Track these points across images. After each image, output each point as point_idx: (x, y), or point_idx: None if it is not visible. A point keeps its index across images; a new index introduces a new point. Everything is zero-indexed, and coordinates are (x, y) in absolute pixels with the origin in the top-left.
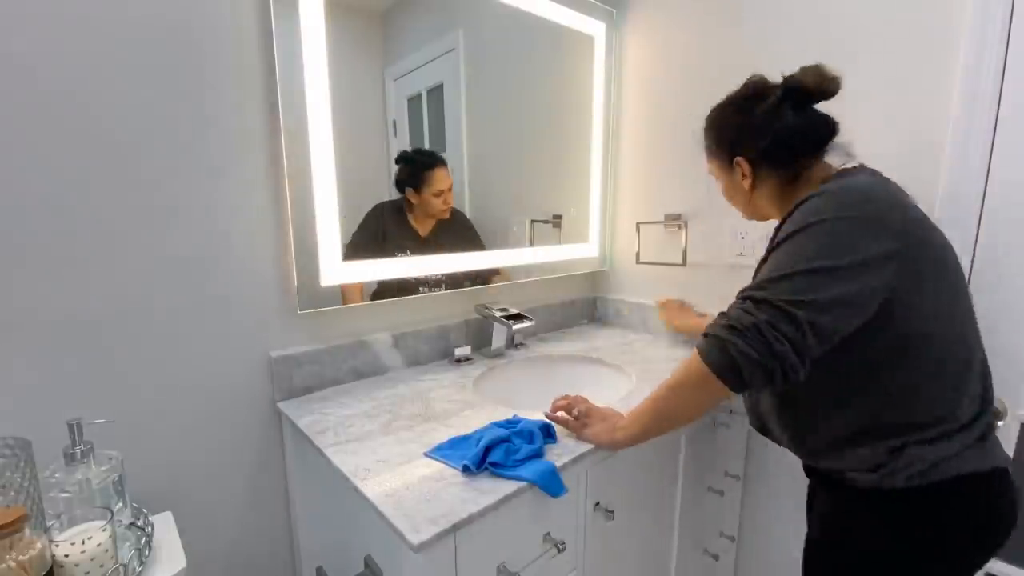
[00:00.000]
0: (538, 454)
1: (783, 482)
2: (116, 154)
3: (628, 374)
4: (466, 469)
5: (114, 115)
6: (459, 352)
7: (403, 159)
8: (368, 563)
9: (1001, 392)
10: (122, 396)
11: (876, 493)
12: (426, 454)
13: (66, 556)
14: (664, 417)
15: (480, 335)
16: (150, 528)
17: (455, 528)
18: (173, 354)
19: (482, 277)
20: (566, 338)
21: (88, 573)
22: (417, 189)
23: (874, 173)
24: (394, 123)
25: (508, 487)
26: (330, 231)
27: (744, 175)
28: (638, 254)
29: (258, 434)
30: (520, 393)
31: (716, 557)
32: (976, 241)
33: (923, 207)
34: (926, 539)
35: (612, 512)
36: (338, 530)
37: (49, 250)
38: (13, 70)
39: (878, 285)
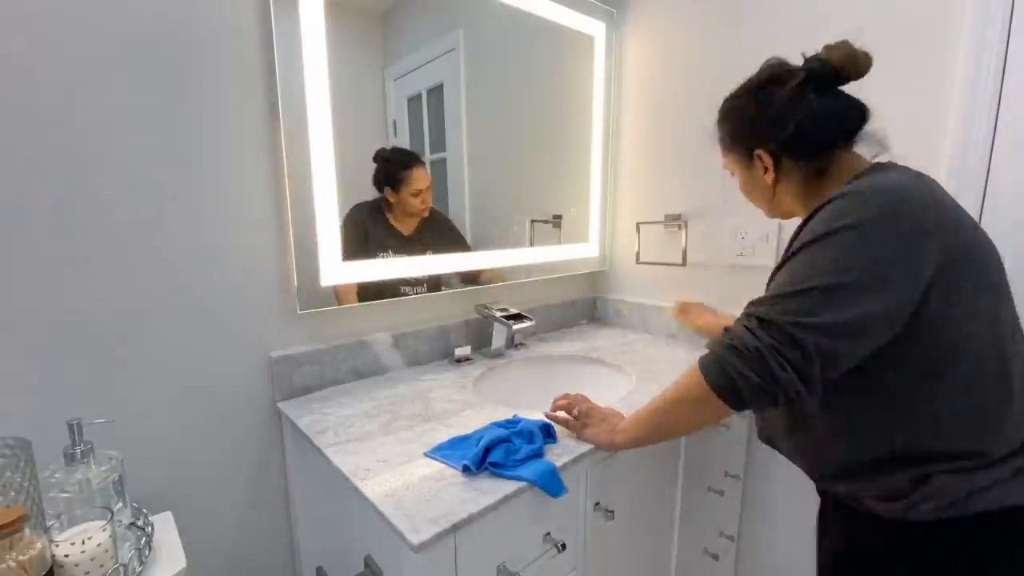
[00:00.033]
0: (538, 454)
1: (783, 482)
2: (116, 154)
3: (628, 374)
4: (466, 469)
5: (114, 115)
6: (459, 352)
7: (381, 158)
8: (368, 563)
9: None
10: (122, 396)
11: (901, 526)
12: (426, 454)
13: (66, 556)
14: (664, 428)
15: (480, 335)
16: (150, 528)
17: (455, 528)
18: (173, 354)
19: (471, 276)
20: (566, 338)
21: (88, 573)
22: (395, 188)
23: (907, 170)
24: (394, 123)
25: (508, 487)
26: (330, 231)
27: (766, 169)
28: (638, 254)
29: (258, 434)
30: (520, 393)
31: (716, 557)
32: None
33: None
34: None
35: (612, 512)
36: (338, 530)
37: (49, 250)
38: (13, 70)
39: (904, 301)
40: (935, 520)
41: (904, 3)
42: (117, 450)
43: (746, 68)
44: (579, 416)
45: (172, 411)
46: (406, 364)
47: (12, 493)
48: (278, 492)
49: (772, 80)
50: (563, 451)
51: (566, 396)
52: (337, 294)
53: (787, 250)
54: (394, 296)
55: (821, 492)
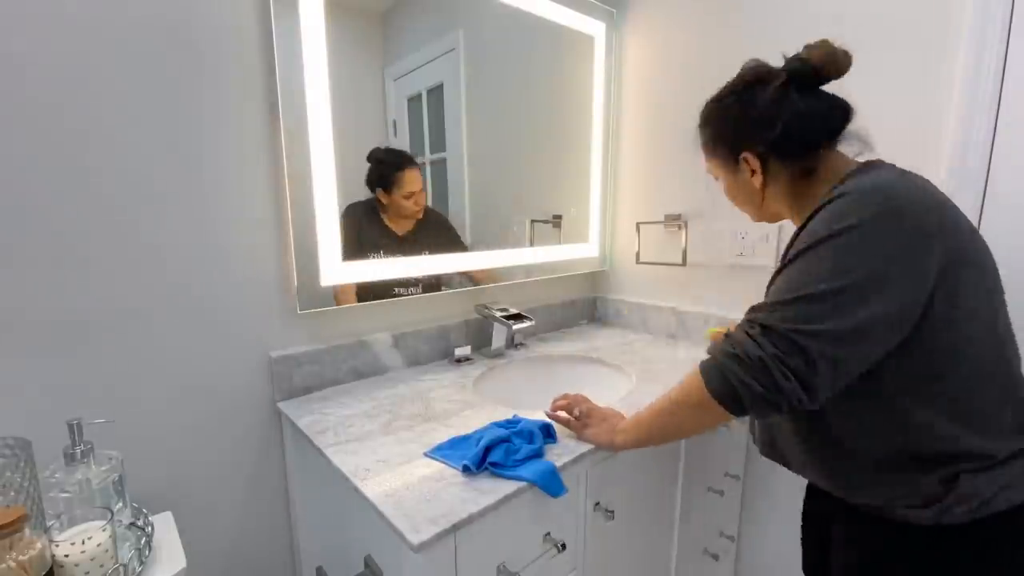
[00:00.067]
0: (538, 454)
1: (783, 483)
2: (116, 154)
3: (628, 374)
4: (466, 469)
5: (114, 115)
6: (459, 352)
7: (374, 159)
8: (368, 563)
9: None
10: (122, 396)
11: (933, 531)
12: (426, 454)
13: (66, 556)
14: (664, 431)
15: (480, 335)
16: (150, 528)
17: (455, 528)
18: (173, 354)
19: (471, 276)
20: (566, 338)
21: (88, 573)
22: (387, 190)
23: (894, 168)
24: (394, 123)
25: (508, 487)
26: (330, 231)
27: (753, 171)
28: (638, 254)
29: (258, 434)
30: (520, 393)
31: (716, 557)
32: None
33: None
34: None
35: (612, 512)
36: (338, 530)
37: (49, 250)
38: (12, 70)
39: (908, 303)
40: (969, 522)
41: (904, 3)
42: (117, 450)
43: None
44: (579, 416)
45: (172, 411)
46: (406, 364)
47: (12, 493)
48: (278, 492)
49: (756, 81)
50: (563, 451)
51: (566, 396)
52: (335, 294)
53: (786, 253)
54: (387, 297)
55: (812, 508)
